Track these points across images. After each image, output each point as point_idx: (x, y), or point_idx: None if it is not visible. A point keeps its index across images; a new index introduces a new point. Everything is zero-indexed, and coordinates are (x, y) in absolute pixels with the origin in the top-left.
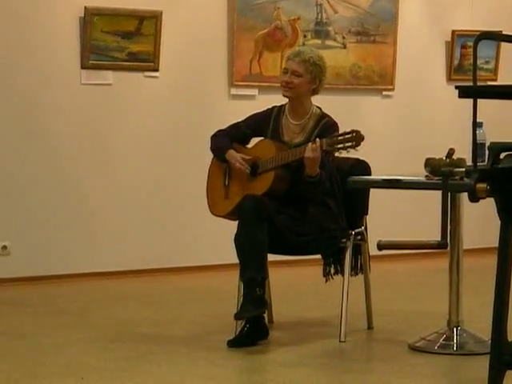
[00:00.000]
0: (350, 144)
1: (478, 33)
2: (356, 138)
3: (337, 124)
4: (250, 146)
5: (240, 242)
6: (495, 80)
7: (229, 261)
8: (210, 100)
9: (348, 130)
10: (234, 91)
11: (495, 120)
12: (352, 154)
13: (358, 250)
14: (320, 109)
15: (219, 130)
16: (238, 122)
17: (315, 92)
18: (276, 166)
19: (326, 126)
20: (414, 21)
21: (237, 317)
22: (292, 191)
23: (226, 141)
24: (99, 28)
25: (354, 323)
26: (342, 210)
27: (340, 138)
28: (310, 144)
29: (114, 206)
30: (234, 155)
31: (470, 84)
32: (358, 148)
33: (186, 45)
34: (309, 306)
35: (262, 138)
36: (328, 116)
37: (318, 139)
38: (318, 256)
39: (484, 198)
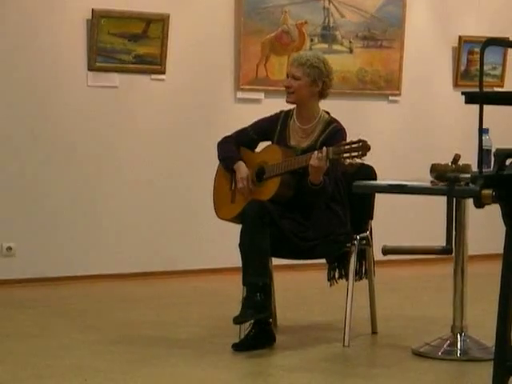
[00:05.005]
0: (355, 154)
1: (484, 39)
2: (362, 148)
3: (344, 130)
4: (257, 150)
5: (242, 246)
6: (502, 86)
7: (235, 264)
8: (216, 103)
9: (355, 139)
10: (240, 95)
11: (501, 126)
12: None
13: (363, 254)
14: (328, 114)
15: (226, 137)
16: (245, 128)
17: (322, 96)
18: (282, 173)
19: (333, 132)
20: (420, 26)
21: (236, 321)
22: (297, 197)
23: (233, 150)
24: (106, 30)
25: (358, 328)
26: (347, 215)
27: (346, 147)
28: (316, 152)
29: (119, 208)
30: (241, 169)
31: (477, 90)
32: (363, 158)
33: (193, 48)
34: (313, 310)
35: (269, 142)
36: (336, 121)
37: (324, 147)
38: (323, 260)
39: (489, 204)
